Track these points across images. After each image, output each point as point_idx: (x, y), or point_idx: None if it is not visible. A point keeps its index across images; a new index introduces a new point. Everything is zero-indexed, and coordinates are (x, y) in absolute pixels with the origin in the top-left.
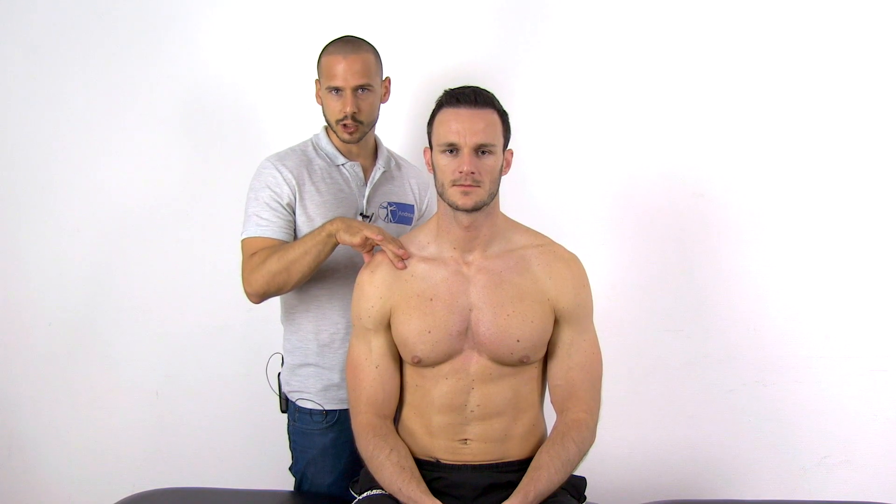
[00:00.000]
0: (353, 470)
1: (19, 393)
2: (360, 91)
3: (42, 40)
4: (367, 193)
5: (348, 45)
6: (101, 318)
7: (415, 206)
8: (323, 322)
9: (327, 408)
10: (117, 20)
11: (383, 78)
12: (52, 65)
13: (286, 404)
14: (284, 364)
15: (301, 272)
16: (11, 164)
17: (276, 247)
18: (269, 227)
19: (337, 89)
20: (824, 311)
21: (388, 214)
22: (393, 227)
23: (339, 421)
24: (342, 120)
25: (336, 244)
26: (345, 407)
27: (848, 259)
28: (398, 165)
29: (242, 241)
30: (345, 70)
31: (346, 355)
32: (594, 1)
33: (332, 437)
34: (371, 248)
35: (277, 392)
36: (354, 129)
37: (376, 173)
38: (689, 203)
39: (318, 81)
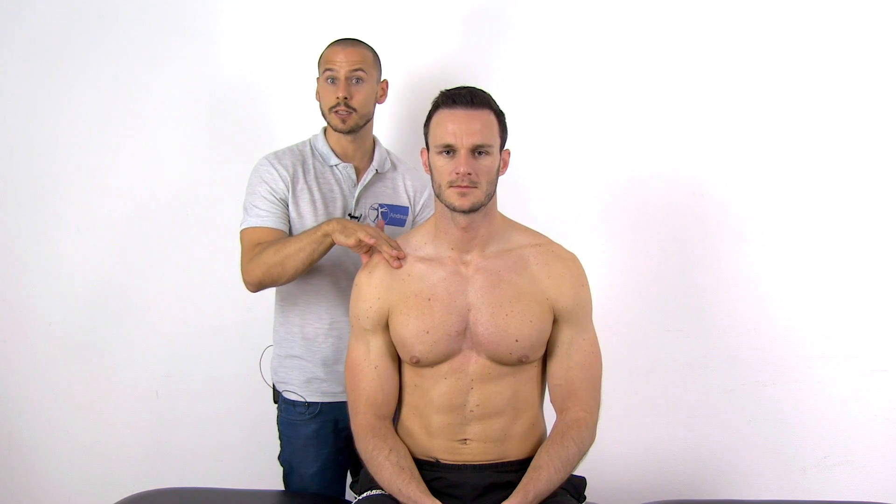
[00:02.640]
0: (336, 461)
1: (19, 393)
2: (354, 80)
3: (42, 40)
4: (356, 194)
5: (348, 40)
6: (101, 318)
7: (408, 208)
8: (308, 316)
9: (309, 400)
10: (118, 20)
11: (381, 79)
12: (53, 64)
13: (277, 395)
14: (273, 355)
15: (295, 267)
16: (11, 164)
17: (274, 240)
18: (268, 217)
19: (333, 77)
20: (824, 311)
21: (378, 216)
22: (384, 230)
23: (321, 413)
24: (335, 106)
25: (331, 244)
26: (327, 400)
27: (848, 259)
28: (394, 166)
29: (241, 231)
30: (342, 57)
31: (329, 349)
32: (594, 0)
33: (314, 427)
34: (367, 249)
35: (270, 384)
36: (347, 116)
37: (368, 175)
38: (689, 203)
39: (318, 79)
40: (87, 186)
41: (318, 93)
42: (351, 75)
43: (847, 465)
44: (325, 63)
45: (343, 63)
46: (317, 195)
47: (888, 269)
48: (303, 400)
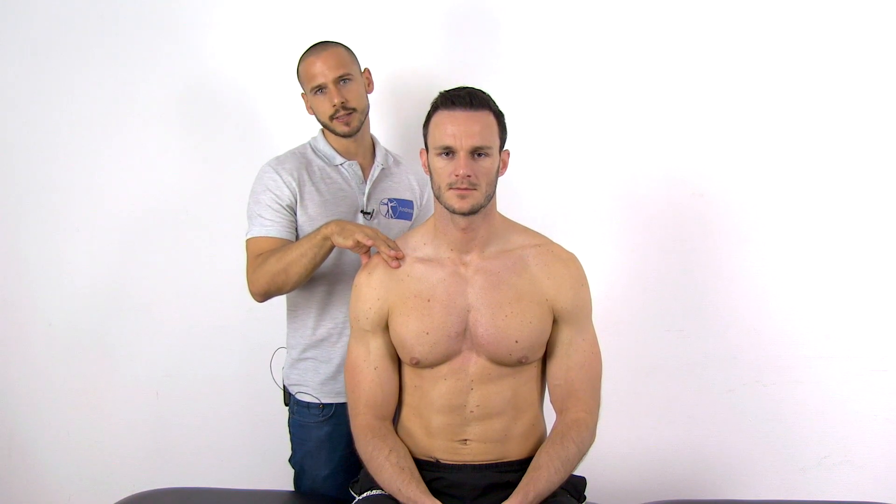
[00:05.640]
0: (349, 463)
1: (19, 393)
2: (342, 82)
3: (42, 40)
4: (366, 191)
5: (318, 46)
6: (101, 318)
7: (414, 202)
8: (323, 317)
9: (324, 401)
10: (118, 20)
11: (362, 69)
12: (53, 65)
13: (288, 397)
14: (286, 358)
15: (299, 273)
16: (11, 164)
17: (277, 248)
18: (273, 226)
19: (321, 88)
20: (824, 311)
21: (388, 210)
22: (394, 223)
23: (335, 414)
24: (335, 114)
25: (332, 247)
26: (341, 401)
27: (848, 259)
28: (396, 162)
29: (247, 241)
30: (322, 66)
31: (343, 348)
32: (594, 0)
33: (327, 430)
34: (366, 249)
35: (281, 386)
36: (349, 119)
37: (375, 171)
38: (689, 203)
39: (304, 95)
40: (87, 187)
41: (309, 108)
42: (337, 79)
43: (847, 465)
44: (307, 78)
45: (325, 71)
46: (327, 195)
47: (888, 269)
48: (318, 401)
